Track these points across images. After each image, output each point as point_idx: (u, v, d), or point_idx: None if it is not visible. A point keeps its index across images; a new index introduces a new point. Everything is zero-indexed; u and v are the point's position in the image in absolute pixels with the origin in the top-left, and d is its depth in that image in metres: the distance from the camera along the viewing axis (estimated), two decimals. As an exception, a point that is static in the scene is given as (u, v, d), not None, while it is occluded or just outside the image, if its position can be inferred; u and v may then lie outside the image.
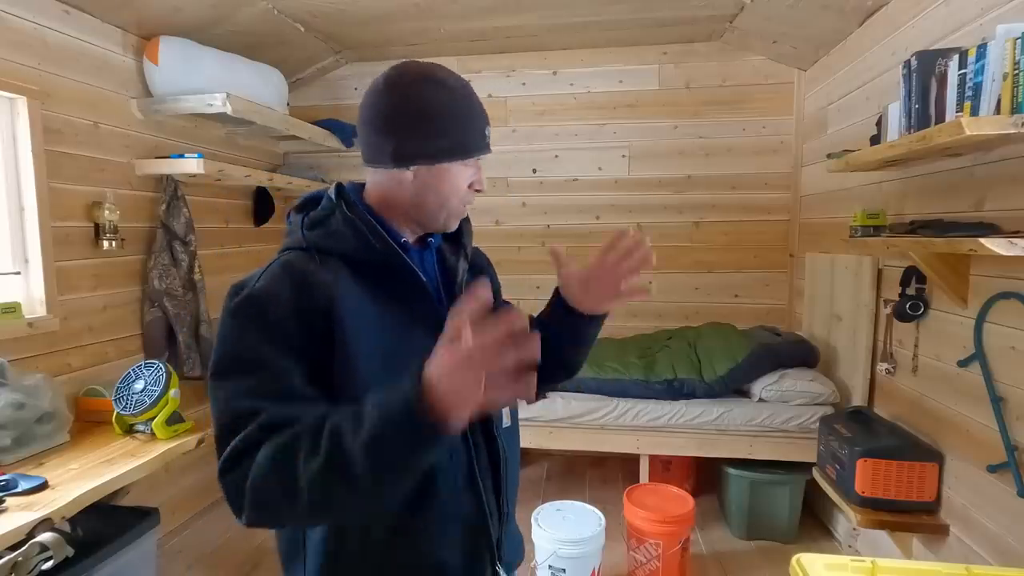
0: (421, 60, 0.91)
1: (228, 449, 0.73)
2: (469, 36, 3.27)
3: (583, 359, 1.10)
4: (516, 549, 1.04)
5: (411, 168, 0.88)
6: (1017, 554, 1.59)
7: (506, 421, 0.98)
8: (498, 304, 1.09)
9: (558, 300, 1.03)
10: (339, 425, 0.67)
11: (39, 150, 2.13)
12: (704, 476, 3.16)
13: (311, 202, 0.93)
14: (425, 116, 0.86)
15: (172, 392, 2.03)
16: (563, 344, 1.02)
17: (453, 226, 0.95)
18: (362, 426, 0.65)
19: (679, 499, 2.39)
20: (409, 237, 0.95)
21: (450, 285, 0.97)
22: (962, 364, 1.81)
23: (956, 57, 1.55)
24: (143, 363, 2.10)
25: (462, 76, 0.93)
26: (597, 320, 1.01)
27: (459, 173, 0.90)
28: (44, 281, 2.15)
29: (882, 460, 1.95)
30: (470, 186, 0.92)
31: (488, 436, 0.94)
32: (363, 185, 0.95)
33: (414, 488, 0.84)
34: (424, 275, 0.91)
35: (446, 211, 0.92)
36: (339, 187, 0.91)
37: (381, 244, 0.86)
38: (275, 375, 0.77)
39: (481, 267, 1.08)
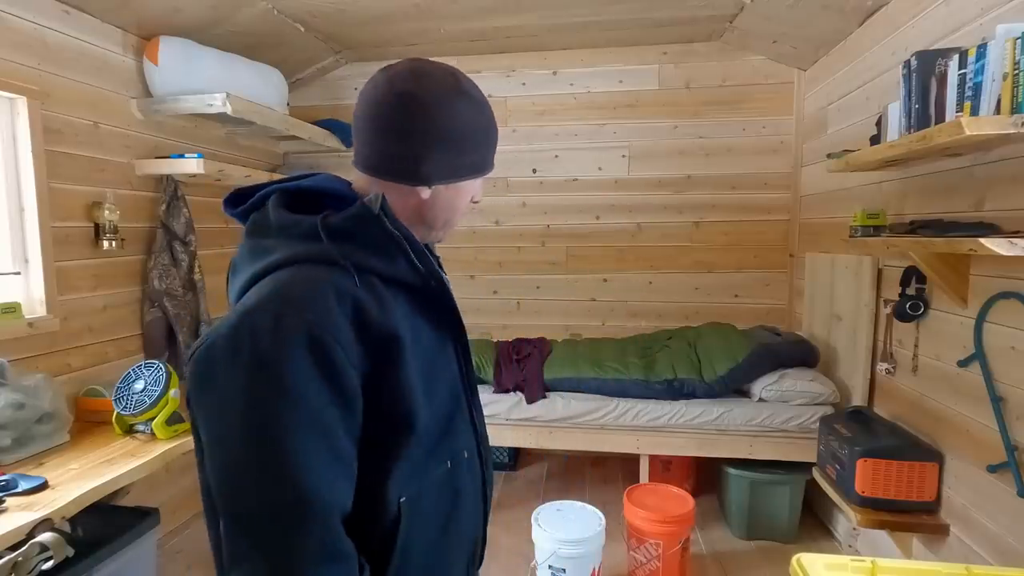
0: (429, 62, 0.82)
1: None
2: (469, 36, 3.27)
3: None
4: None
5: (431, 186, 0.82)
6: (1017, 554, 1.59)
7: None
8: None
9: None
10: None
11: (39, 150, 2.13)
12: (704, 476, 3.16)
13: (309, 196, 0.81)
14: (457, 136, 0.80)
15: (172, 392, 2.03)
16: None
17: (444, 239, 0.92)
18: None
19: (679, 499, 2.39)
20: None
21: None
22: (962, 364, 1.81)
23: (956, 57, 1.55)
24: (143, 363, 2.10)
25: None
26: None
27: (472, 188, 0.87)
28: (44, 281, 2.15)
29: (882, 460, 1.95)
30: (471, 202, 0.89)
31: (484, 450, 0.95)
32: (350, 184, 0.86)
33: (444, 512, 0.84)
34: None
35: (449, 225, 0.88)
36: (384, 198, 0.77)
37: (426, 267, 0.79)
38: (320, 453, 0.67)
39: None
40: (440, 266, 0.97)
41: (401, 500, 0.76)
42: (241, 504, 0.66)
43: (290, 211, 0.78)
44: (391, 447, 0.75)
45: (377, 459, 0.74)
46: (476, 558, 0.96)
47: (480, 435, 0.93)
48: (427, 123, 0.78)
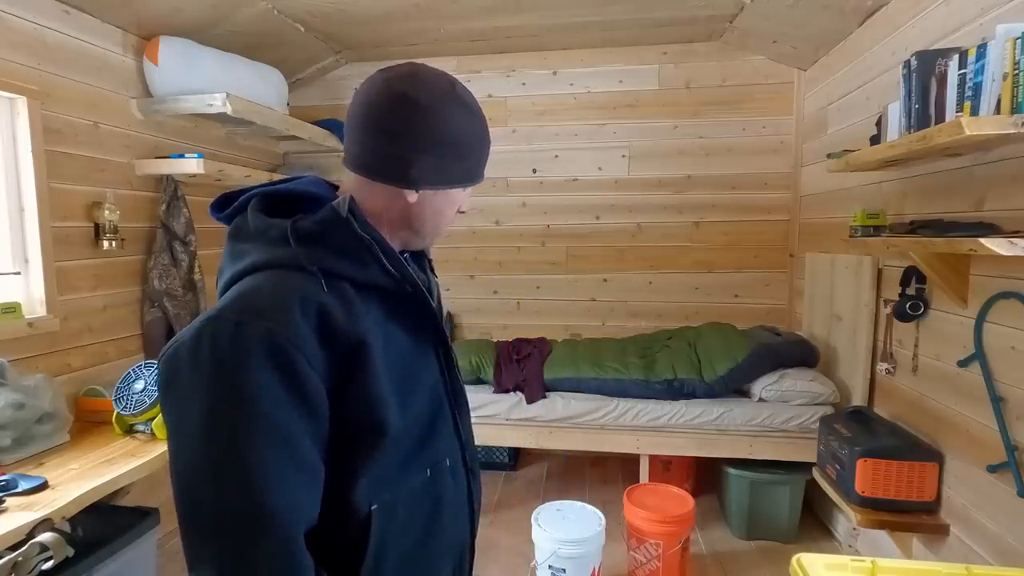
0: (428, 67, 0.81)
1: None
2: (469, 36, 3.27)
3: None
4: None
5: (419, 190, 0.81)
6: (1017, 554, 1.59)
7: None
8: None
9: None
10: None
11: (39, 150, 2.12)
12: (704, 476, 3.16)
13: (291, 200, 0.81)
14: (449, 141, 0.80)
15: (172, 392, 2.03)
16: None
17: (431, 246, 0.91)
18: None
19: (679, 499, 2.39)
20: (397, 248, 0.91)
21: None
22: (962, 364, 1.81)
23: (956, 57, 1.55)
24: (143, 363, 2.10)
25: (460, 80, 0.88)
26: None
27: (461, 196, 0.86)
28: (44, 281, 2.15)
29: (882, 460, 1.95)
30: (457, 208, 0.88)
31: (467, 454, 0.95)
32: (336, 187, 0.87)
33: (424, 521, 0.83)
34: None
35: (436, 233, 0.87)
36: (352, 200, 0.78)
37: (399, 271, 0.78)
38: (283, 467, 0.66)
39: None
40: (432, 270, 0.96)
41: (373, 508, 0.75)
42: (198, 513, 0.65)
43: (269, 215, 0.77)
44: (361, 454, 0.74)
45: (347, 466, 0.73)
46: (465, 567, 0.96)
47: (465, 443, 0.92)
48: (420, 126, 0.77)
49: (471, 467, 0.93)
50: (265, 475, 0.64)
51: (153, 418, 2.01)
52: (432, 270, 0.97)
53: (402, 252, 0.88)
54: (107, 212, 2.38)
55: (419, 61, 0.85)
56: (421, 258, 0.95)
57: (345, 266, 0.75)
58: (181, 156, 2.64)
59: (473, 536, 0.96)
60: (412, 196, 0.80)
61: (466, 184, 0.85)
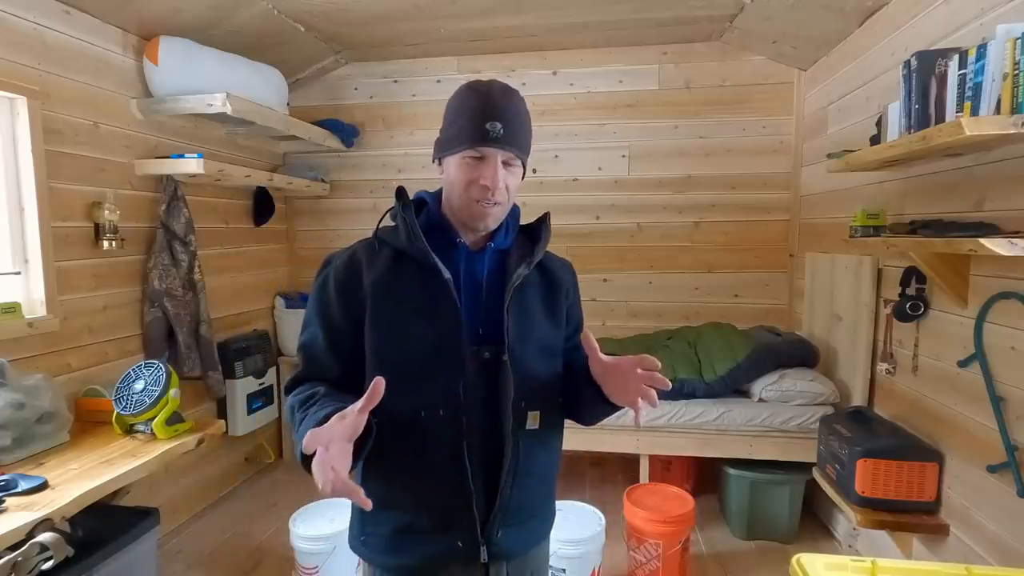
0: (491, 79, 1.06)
1: (287, 380, 1.09)
2: (469, 36, 3.27)
3: (587, 422, 1.15)
4: (519, 544, 1.08)
5: (440, 165, 1.05)
6: (1017, 554, 1.59)
7: (531, 423, 1.05)
8: (574, 320, 1.19)
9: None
10: (304, 418, 0.95)
11: (39, 150, 2.13)
12: (704, 476, 3.16)
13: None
14: (445, 119, 1.04)
15: (172, 392, 2.03)
16: (579, 398, 1.09)
17: (482, 223, 1.03)
18: (298, 428, 0.95)
19: (679, 499, 2.39)
20: (467, 238, 1.06)
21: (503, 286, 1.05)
22: (962, 364, 1.81)
23: (956, 57, 1.55)
24: (143, 363, 2.10)
25: (499, 80, 1.05)
26: (605, 405, 1.02)
27: (458, 165, 1.00)
28: (44, 281, 2.15)
29: (882, 460, 1.95)
30: (473, 181, 0.99)
31: (494, 430, 1.01)
32: None
33: (412, 450, 1.01)
34: (470, 274, 1.05)
35: (459, 204, 1.02)
36: (399, 190, 1.08)
37: (417, 241, 1.02)
38: (317, 333, 1.06)
39: (555, 277, 1.14)
40: (529, 263, 1.06)
41: (374, 420, 0.94)
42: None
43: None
44: (369, 369, 1.01)
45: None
46: (468, 530, 1.00)
47: (463, 404, 0.99)
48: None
49: (468, 426, 0.99)
50: (309, 330, 1.08)
51: (153, 418, 2.01)
52: (529, 263, 1.07)
53: (490, 239, 1.07)
54: (107, 212, 2.38)
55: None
56: (528, 251, 1.10)
57: (391, 238, 1.05)
58: (181, 156, 2.64)
59: (470, 497, 1.00)
60: (439, 171, 1.05)
61: (453, 148, 1.00)
